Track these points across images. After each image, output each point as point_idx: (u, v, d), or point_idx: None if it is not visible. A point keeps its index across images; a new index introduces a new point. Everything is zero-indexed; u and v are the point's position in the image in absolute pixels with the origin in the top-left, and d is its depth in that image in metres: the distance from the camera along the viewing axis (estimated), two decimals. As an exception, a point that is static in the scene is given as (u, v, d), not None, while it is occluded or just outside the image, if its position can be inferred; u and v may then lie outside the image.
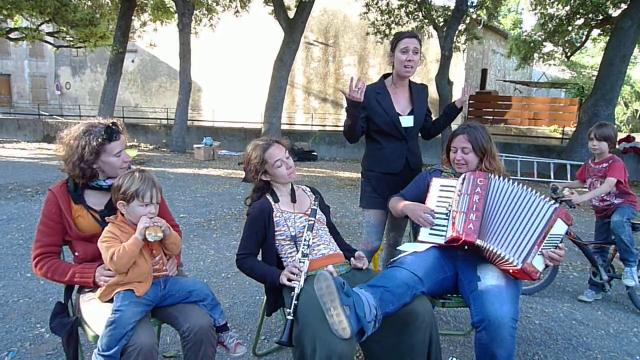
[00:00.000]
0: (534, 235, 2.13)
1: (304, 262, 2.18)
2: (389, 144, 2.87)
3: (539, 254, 2.13)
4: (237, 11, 14.64)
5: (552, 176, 10.80)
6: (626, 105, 18.85)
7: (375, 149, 2.92)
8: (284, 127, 14.29)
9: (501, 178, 2.32)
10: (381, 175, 2.89)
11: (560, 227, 2.17)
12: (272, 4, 12.22)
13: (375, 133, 2.88)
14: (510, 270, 2.13)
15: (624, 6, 10.83)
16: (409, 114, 2.88)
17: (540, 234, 2.13)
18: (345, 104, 2.83)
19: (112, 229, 1.95)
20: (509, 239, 2.15)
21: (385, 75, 2.96)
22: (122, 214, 1.98)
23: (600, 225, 3.65)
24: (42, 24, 14.87)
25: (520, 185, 2.29)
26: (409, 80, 2.94)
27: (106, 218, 2.00)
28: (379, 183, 2.89)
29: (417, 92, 2.95)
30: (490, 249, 2.13)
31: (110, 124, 2.07)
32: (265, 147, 2.34)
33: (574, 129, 12.37)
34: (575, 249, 3.79)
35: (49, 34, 16.01)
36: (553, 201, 2.22)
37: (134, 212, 1.95)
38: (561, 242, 2.21)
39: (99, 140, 2.00)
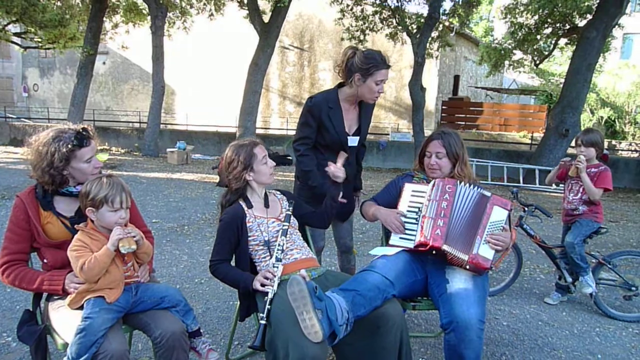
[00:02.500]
0: (473, 227, 2.24)
1: (277, 267, 2.20)
2: (331, 158, 2.75)
3: (484, 243, 2.21)
4: (212, 14, 14.56)
5: (521, 181, 11.09)
6: (592, 112, 19.50)
7: (318, 159, 2.82)
8: (259, 131, 14.27)
9: (468, 185, 2.39)
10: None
11: (499, 214, 2.28)
12: (247, 8, 12.20)
13: (321, 147, 2.83)
14: (467, 267, 2.21)
15: (589, 17, 11.25)
16: (355, 133, 2.86)
17: (478, 224, 2.24)
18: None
19: (82, 238, 1.92)
20: (461, 239, 2.24)
21: (340, 84, 2.79)
22: (92, 221, 1.95)
23: (566, 230, 3.76)
24: (8, 24, 14.47)
25: (478, 188, 2.37)
26: None
27: (76, 226, 1.97)
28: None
29: (366, 108, 2.87)
30: (454, 253, 2.20)
31: (81, 130, 2.03)
32: (254, 144, 2.39)
33: (542, 135, 12.74)
34: (542, 252, 3.91)
35: (16, 34, 15.58)
36: (483, 189, 2.34)
37: (104, 218, 1.93)
38: (507, 225, 2.29)
39: (69, 146, 1.96)
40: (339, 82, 2.81)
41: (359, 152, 2.99)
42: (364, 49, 2.65)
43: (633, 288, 3.57)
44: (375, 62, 2.57)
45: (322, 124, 2.74)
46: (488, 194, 2.32)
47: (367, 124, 2.92)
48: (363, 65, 2.57)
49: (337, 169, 2.50)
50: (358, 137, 2.85)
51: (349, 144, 2.81)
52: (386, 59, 2.63)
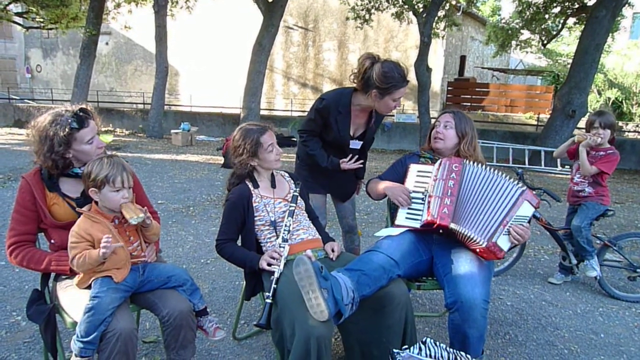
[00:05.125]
0: (500, 216, 2.21)
1: (284, 247, 2.21)
2: (331, 152, 2.86)
3: (504, 234, 2.20)
4: (215, -7, 14.35)
5: (526, 162, 11.04)
6: (599, 93, 19.24)
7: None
8: (263, 112, 14.20)
9: (476, 164, 2.37)
10: (317, 164, 2.88)
11: (527, 209, 2.24)
12: (250, -13, 12.03)
13: (323, 141, 2.88)
14: (477, 250, 2.21)
15: (598, -5, 11.01)
16: (359, 137, 2.88)
17: (506, 214, 2.20)
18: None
19: (82, 224, 1.89)
20: (477, 220, 2.23)
21: (355, 89, 2.72)
22: (96, 203, 1.95)
23: (571, 211, 3.75)
24: (9, 3, 14.34)
25: (493, 169, 2.34)
26: None
27: (78, 209, 1.95)
28: (317, 170, 2.89)
29: (377, 117, 2.89)
30: (463, 232, 2.20)
31: (78, 111, 1.99)
32: (262, 131, 2.37)
33: (549, 116, 12.62)
34: (547, 233, 3.91)
35: (17, 14, 15.45)
36: (521, 184, 2.28)
37: (107, 198, 1.92)
38: (528, 222, 2.28)
39: (67, 130, 1.93)
40: (354, 87, 2.73)
41: (365, 146, 3.00)
42: (382, 62, 2.55)
43: (638, 270, 3.57)
44: (395, 82, 2.52)
45: (328, 124, 2.77)
46: (523, 187, 2.26)
47: (373, 130, 2.95)
48: (382, 84, 2.52)
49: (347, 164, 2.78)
50: (361, 142, 2.90)
51: (351, 147, 2.86)
52: (405, 73, 2.57)
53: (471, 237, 2.18)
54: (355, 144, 2.89)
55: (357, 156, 2.85)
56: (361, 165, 2.86)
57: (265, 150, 2.34)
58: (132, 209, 1.92)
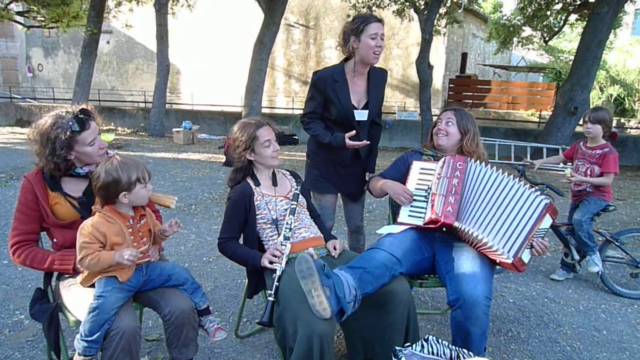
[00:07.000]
0: (525, 230, 2.16)
1: (285, 245, 2.22)
2: (339, 130, 2.75)
3: (527, 247, 2.18)
4: (216, -9, 14.33)
5: (528, 159, 11.00)
6: (601, 89, 19.15)
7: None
8: (264, 110, 14.20)
9: (481, 163, 2.37)
10: (329, 162, 2.84)
11: (547, 222, 2.22)
12: (251, -15, 12.00)
13: (330, 122, 2.81)
14: (498, 260, 2.19)
15: (601, -9, 10.96)
16: (363, 107, 2.80)
17: (531, 229, 2.17)
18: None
19: (96, 224, 1.85)
20: (495, 227, 2.18)
21: (346, 59, 2.76)
22: (112, 204, 1.92)
23: (573, 207, 3.76)
24: (10, 2, 14.36)
25: (503, 171, 2.32)
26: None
27: (93, 208, 1.92)
28: (327, 168, 2.85)
29: (376, 80, 2.81)
30: (469, 231, 2.19)
31: (79, 113, 1.98)
32: (259, 125, 2.37)
33: (550, 113, 12.59)
34: (550, 230, 3.90)
35: (18, 13, 15.47)
36: (543, 195, 2.23)
37: (138, 196, 1.91)
38: (544, 235, 2.26)
39: (68, 133, 1.92)
40: (344, 57, 2.78)
41: (372, 130, 2.92)
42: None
43: (640, 266, 3.57)
44: (363, 19, 2.60)
45: (328, 98, 2.72)
46: (547, 199, 2.21)
47: (377, 96, 2.85)
48: (353, 26, 2.62)
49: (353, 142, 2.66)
50: (367, 111, 2.80)
51: (357, 118, 2.76)
52: (376, 16, 2.64)
53: (491, 246, 2.14)
54: (361, 115, 2.78)
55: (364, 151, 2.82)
56: (368, 143, 2.75)
57: (262, 145, 2.33)
58: (162, 198, 2.05)
